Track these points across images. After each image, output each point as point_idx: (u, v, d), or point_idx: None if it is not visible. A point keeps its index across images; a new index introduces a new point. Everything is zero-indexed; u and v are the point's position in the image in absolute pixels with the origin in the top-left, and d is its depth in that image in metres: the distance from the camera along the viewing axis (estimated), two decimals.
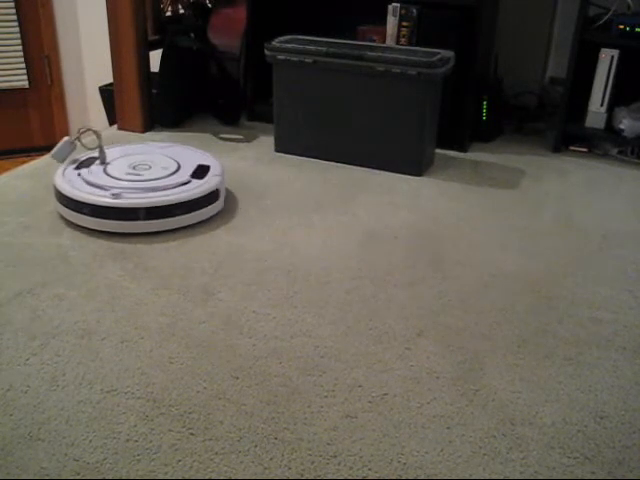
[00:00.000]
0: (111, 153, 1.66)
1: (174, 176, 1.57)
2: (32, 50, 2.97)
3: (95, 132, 1.62)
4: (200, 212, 1.53)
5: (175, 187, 1.52)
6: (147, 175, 1.55)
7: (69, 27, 2.96)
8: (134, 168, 1.59)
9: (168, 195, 1.49)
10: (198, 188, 1.53)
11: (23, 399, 0.97)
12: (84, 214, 1.47)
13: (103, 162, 1.60)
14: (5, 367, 1.03)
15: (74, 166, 1.59)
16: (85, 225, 1.48)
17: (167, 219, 1.49)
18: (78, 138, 1.60)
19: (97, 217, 1.46)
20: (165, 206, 1.47)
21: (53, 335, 1.12)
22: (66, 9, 2.92)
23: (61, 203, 1.51)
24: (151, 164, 1.61)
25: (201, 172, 1.60)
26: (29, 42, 2.95)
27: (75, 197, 1.47)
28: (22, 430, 0.91)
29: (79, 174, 1.55)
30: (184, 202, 1.50)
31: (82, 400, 0.97)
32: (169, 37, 2.17)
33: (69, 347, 1.09)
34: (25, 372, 1.03)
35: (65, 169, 1.58)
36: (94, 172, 1.56)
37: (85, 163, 1.61)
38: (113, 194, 1.46)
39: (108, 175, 1.55)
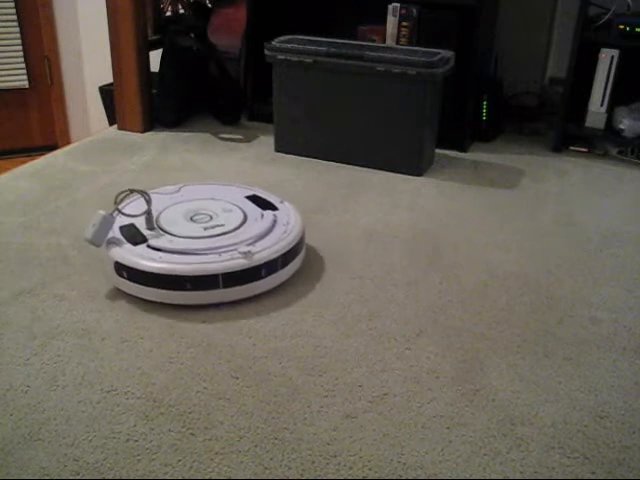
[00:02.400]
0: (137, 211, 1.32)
1: (252, 219, 1.32)
2: (32, 50, 2.97)
3: (142, 193, 1.28)
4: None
5: (269, 231, 1.28)
6: (226, 225, 1.29)
7: (69, 27, 2.96)
8: (195, 221, 1.31)
9: (277, 243, 1.25)
10: (291, 225, 1.31)
11: (23, 399, 0.97)
12: (189, 289, 1.17)
13: (151, 227, 1.28)
14: (5, 367, 1.03)
15: (124, 240, 1.24)
16: (194, 302, 1.19)
17: (283, 270, 1.25)
18: (117, 209, 1.27)
19: (214, 289, 1.18)
20: (284, 254, 1.25)
21: (53, 335, 1.12)
22: (66, 9, 2.92)
23: (148, 285, 1.18)
24: (205, 212, 1.34)
25: (266, 205, 1.39)
26: (29, 42, 2.95)
27: (175, 272, 1.16)
28: (22, 430, 0.91)
29: (148, 245, 1.22)
30: (300, 241, 1.30)
31: (82, 400, 0.97)
32: (169, 37, 2.17)
33: (69, 347, 1.09)
34: (25, 372, 1.03)
35: (114, 247, 1.22)
36: (162, 239, 1.24)
37: (132, 232, 1.26)
38: (242, 252, 1.19)
39: (181, 237, 1.25)
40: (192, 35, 2.28)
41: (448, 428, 0.94)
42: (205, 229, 1.27)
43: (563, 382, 1.04)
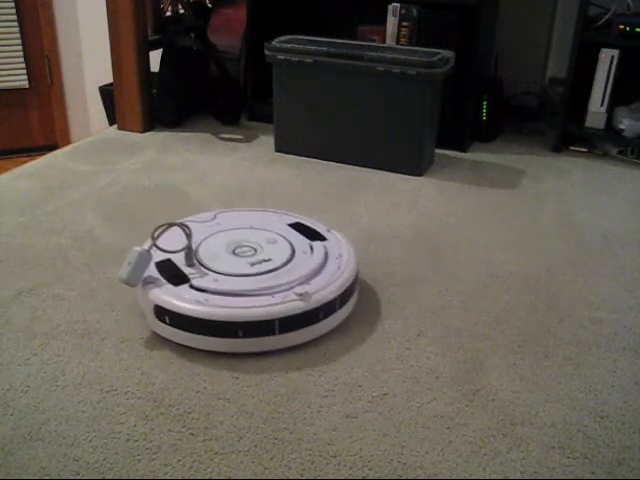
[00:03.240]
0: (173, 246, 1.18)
1: (300, 252, 1.20)
2: (32, 50, 2.97)
3: (182, 227, 1.16)
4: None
5: (322, 267, 1.17)
6: (273, 260, 1.16)
7: (69, 27, 2.96)
8: (239, 255, 1.18)
9: (333, 281, 1.13)
10: (345, 258, 1.20)
11: (23, 399, 0.97)
12: (241, 337, 1.06)
13: (191, 263, 1.15)
14: (5, 367, 1.03)
15: (164, 280, 1.12)
16: (245, 350, 1.08)
17: (341, 310, 1.14)
18: (154, 244, 1.14)
19: (269, 335, 1.06)
20: (342, 294, 1.12)
21: (53, 335, 1.12)
22: (66, 9, 2.92)
23: (194, 332, 1.06)
24: (248, 244, 1.22)
25: (313, 234, 1.27)
26: (29, 42, 2.95)
27: (226, 318, 1.04)
28: (22, 430, 0.91)
29: (191, 286, 1.09)
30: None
31: (82, 400, 0.97)
32: (169, 37, 2.17)
33: (69, 347, 1.09)
34: (25, 372, 1.03)
35: (152, 288, 1.10)
36: (206, 278, 1.11)
37: (171, 270, 1.14)
38: (299, 294, 1.07)
39: (226, 274, 1.12)
40: (192, 35, 2.28)
41: (448, 428, 0.94)
42: (251, 265, 1.14)
43: (563, 382, 1.04)
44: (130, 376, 1.02)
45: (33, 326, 1.14)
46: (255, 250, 1.20)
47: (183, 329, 1.06)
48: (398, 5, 2.00)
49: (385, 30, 2.05)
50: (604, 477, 0.87)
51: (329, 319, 1.11)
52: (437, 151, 2.00)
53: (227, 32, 2.35)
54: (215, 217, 1.33)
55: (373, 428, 0.93)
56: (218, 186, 1.76)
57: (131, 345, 1.10)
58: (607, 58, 1.97)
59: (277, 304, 1.06)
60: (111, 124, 2.30)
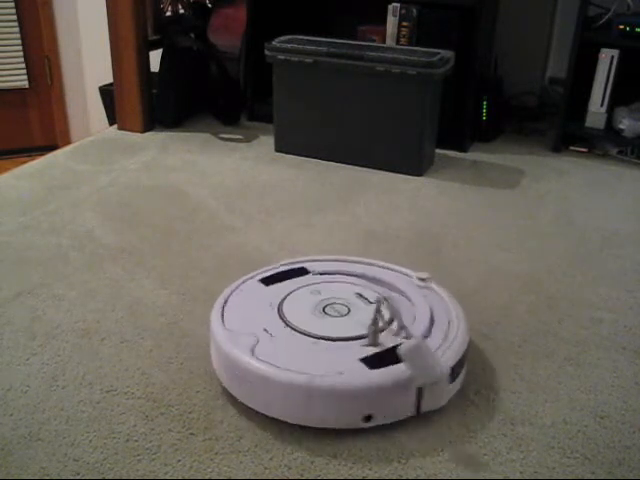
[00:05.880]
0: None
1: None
2: (32, 50, 2.96)
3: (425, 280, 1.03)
4: None
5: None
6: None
7: (69, 27, 2.96)
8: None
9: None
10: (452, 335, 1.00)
11: (23, 399, 0.97)
12: None
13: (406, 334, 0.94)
14: (5, 367, 1.03)
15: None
16: None
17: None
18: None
19: None
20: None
21: (53, 335, 1.12)
22: (66, 9, 2.92)
23: None
24: (338, 302, 1.04)
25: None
26: (29, 42, 2.95)
27: None
28: (22, 430, 0.91)
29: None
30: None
31: (82, 400, 0.97)
32: (169, 37, 2.17)
33: (69, 347, 1.09)
34: (25, 372, 1.02)
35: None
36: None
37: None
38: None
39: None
40: (192, 35, 2.28)
41: (448, 428, 0.94)
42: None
43: (563, 382, 1.04)
44: (130, 376, 1.02)
45: (33, 326, 1.14)
46: (349, 309, 1.03)
47: None
48: (398, 5, 2.00)
49: (385, 30, 2.05)
50: (604, 477, 0.86)
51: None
52: (437, 151, 2.00)
53: (227, 32, 2.35)
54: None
55: (373, 428, 0.93)
56: (218, 186, 1.76)
57: (131, 345, 1.10)
58: (607, 58, 1.97)
59: None
60: (111, 124, 2.30)
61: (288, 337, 0.96)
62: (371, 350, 0.93)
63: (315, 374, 0.88)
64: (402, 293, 1.08)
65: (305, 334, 0.97)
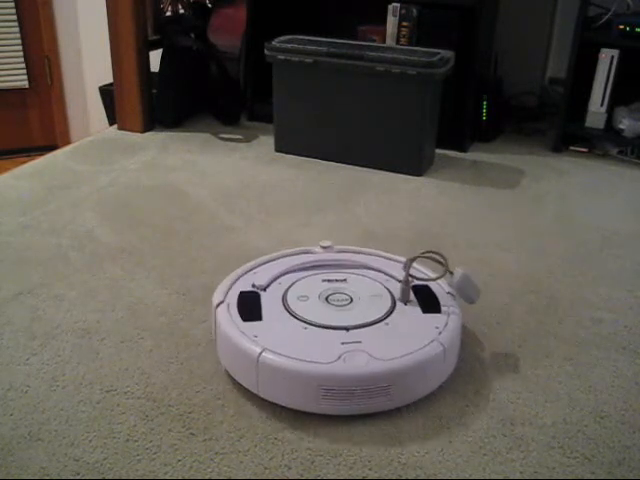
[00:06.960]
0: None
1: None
2: (32, 50, 2.97)
3: (439, 257, 1.06)
4: None
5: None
6: None
7: (69, 27, 2.96)
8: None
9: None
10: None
11: (23, 399, 0.97)
12: None
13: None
14: (5, 367, 1.03)
15: None
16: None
17: None
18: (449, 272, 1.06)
19: None
20: None
21: (53, 335, 1.12)
22: (66, 9, 2.92)
23: None
24: (342, 291, 1.08)
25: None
26: (29, 42, 2.95)
27: None
28: (22, 430, 0.91)
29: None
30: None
31: (82, 400, 0.97)
32: (169, 37, 2.17)
33: (69, 347, 1.09)
34: (25, 372, 1.02)
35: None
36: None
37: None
38: None
39: None
40: (192, 35, 2.28)
41: (448, 428, 0.94)
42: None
43: (563, 382, 1.04)
44: (130, 376, 1.02)
45: (33, 326, 1.14)
46: (351, 299, 1.08)
47: None
48: (398, 5, 2.00)
49: (385, 30, 2.05)
50: (604, 477, 0.86)
51: None
52: (437, 151, 2.00)
53: (227, 32, 2.35)
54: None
55: (373, 428, 0.93)
56: (218, 186, 1.76)
57: (131, 345, 1.10)
58: (607, 58, 1.97)
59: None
60: (111, 124, 2.30)
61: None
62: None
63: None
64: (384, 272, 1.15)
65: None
